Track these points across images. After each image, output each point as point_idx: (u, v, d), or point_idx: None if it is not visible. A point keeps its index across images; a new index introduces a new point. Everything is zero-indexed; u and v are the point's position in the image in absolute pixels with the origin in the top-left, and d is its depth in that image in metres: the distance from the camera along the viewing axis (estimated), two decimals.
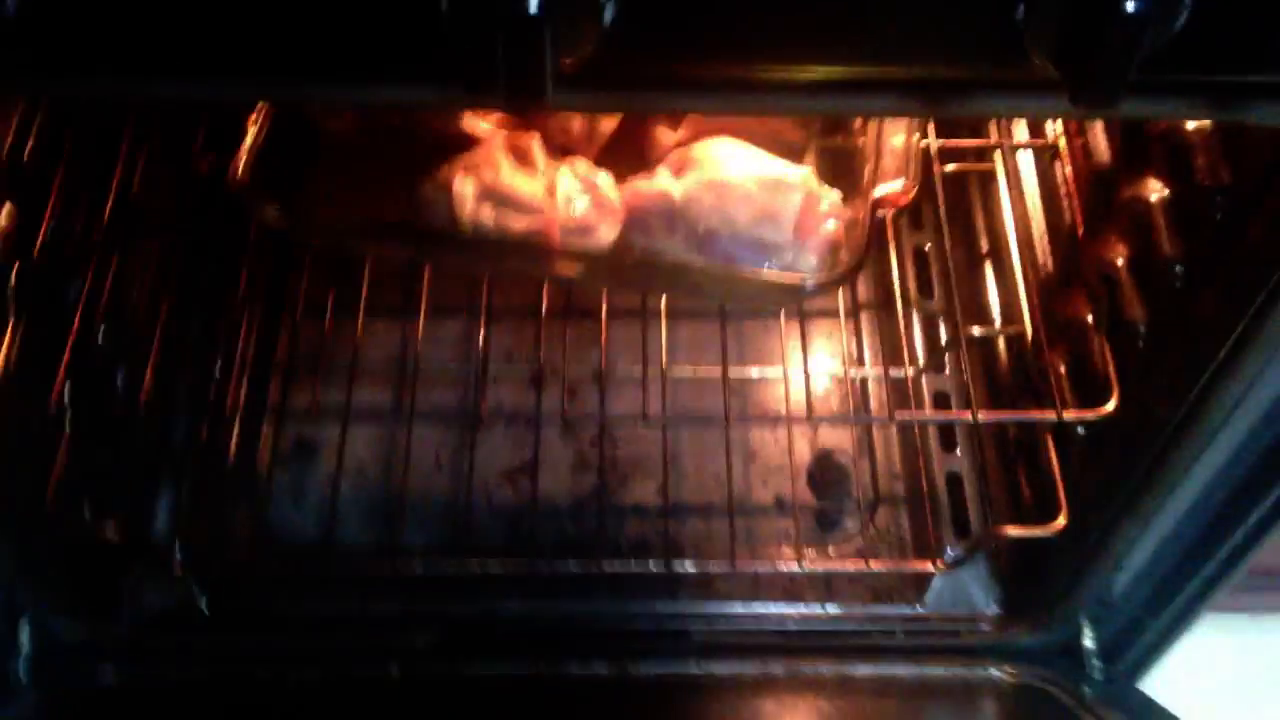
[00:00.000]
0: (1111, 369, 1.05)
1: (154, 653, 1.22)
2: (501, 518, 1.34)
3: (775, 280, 1.01)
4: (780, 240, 1.04)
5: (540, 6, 0.46)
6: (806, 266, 1.04)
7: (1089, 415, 1.05)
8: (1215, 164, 0.87)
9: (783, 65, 0.55)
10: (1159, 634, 1.20)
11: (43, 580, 1.15)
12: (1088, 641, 1.23)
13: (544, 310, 1.34)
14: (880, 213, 1.00)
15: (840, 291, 1.35)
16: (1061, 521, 1.14)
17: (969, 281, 1.41)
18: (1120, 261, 1.04)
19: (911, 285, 1.47)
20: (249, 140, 1.04)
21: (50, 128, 1.09)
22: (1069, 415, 1.06)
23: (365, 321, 1.34)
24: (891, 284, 1.32)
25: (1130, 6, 0.45)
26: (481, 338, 1.35)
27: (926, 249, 1.51)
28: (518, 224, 1.04)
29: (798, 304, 1.21)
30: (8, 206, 1.03)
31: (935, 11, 0.51)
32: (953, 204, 1.37)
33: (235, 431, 1.35)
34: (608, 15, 0.48)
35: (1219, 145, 0.87)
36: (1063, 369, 1.15)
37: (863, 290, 1.50)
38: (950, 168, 1.36)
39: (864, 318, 1.48)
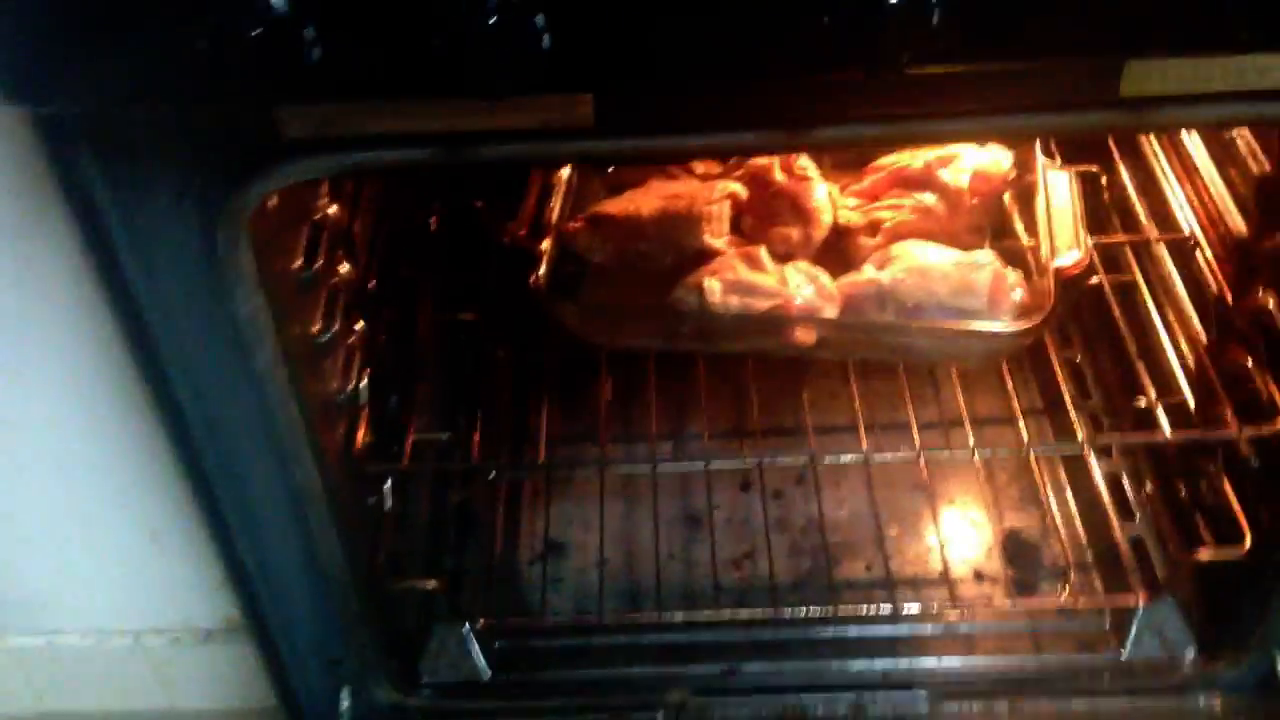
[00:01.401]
0: (1276, 394, 1.24)
1: (451, 714, 1.40)
2: (732, 595, 1.52)
3: (984, 330, 1.23)
4: (977, 307, 1.27)
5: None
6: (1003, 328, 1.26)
7: (1265, 430, 1.23)
8: None
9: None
10: None
11: (362, 656, 1.35)
12: None
13: (755, 417, 1.57)
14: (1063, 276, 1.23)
15: (1014, 395, 1.57)
16: (1246, 543, 1.29)
17: (1124, 377, 1.60)
18: (1272, 304, 1.25)
19: (1071, 388, 1.67)
20: (544, 262, 1.32)
21: (381, 271, 1.39)
22: (1247, 432, 1.24)
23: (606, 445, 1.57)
24: (1056, 391, 1.52)
25: None
26: (704, 445, 1.57)
27: (1078, 360, 1.72)
28: (760, 305, 1.28)
29: (999, 356, 1.40)
30: (359, 325, 1.31)
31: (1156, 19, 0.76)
32: (1103, 317, 1.61)
33: (499, 535, 1.57)
34: (934, 19, 0.74)
35: None
36: (1230, 413, 1.33)
37: (1024, 400, 1.69)
38: (1095, 280, 1.57)
39: (1032, 422, 1.67)
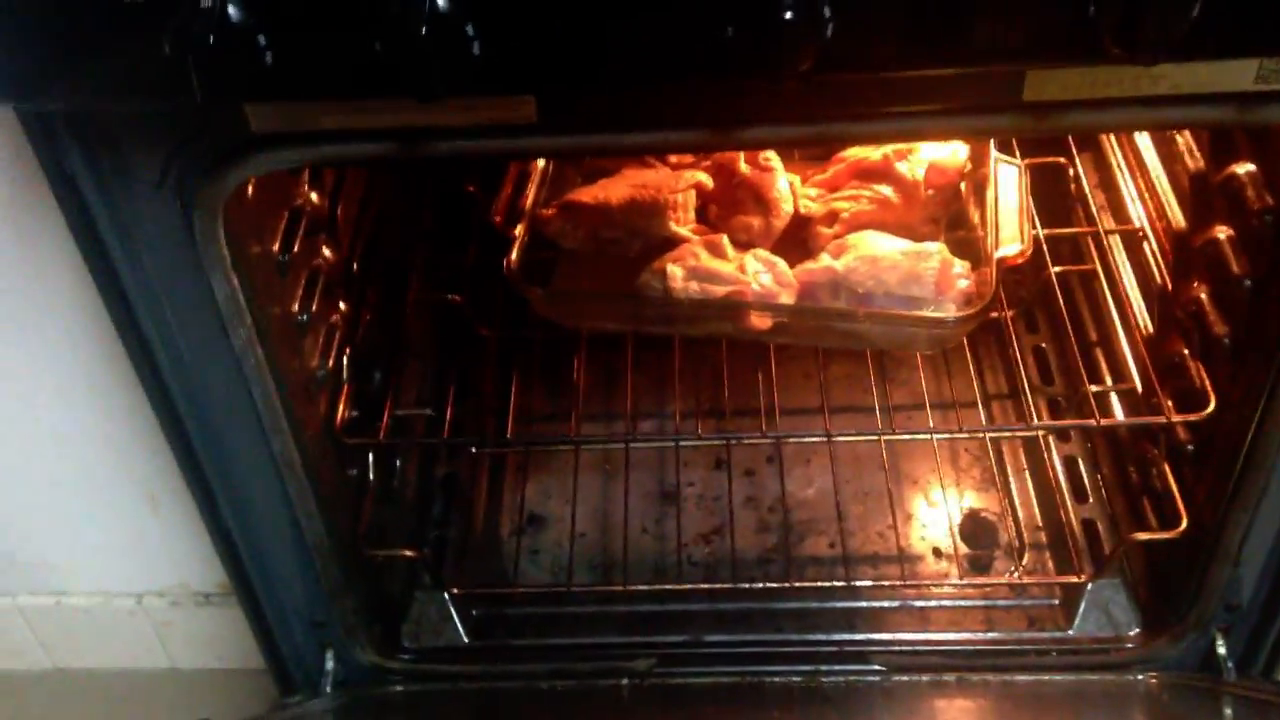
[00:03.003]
0: (1207, 383, 1.30)
1: (430, 677, 1.48)
2: (700, 569, 1.60)
3: (927, 316, 1.30)
4: (924, 295, 1.34)
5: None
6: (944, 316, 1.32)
7: (1192, 417, 1.29)
8: (1260, 192, 1.16)
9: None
10: None
11: (345, 621, 1.44)
12: (1221, 649, 1.41)
13: (728, 398, 1.64)
14: (1004, 266, 1.29)
15: (975, 385, 1.64)
16: (1183, 525, 1.35)
17: (1083, 363, 1.66)
18: (1203, 296, 1.30)
19: (1034, 373, 1.73)
20: (516, 247, 1.40)
21: (365, 254, 1.47)
22: (1176, 418, 1.30)
23: (579, 423, 1.64)
24: (1016, 375, 1.59)
25: None
26: (675, 425, 1.63)
27: (1043, 347, 1.78)
28: (718, 291, 1.35)
29: (944, 343, 1.46)
30: (341, 305, 1.39)
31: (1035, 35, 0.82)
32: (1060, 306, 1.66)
33: (480, 507, 1.65)
34: (828, 31, 0.80)
35: (1262, 179, 1.16)
36: (1170, 401, 1.39)
37: (990, 383, 1.76)
38: (1057, 270, 1.63)
39: (996, 406, 1.74)
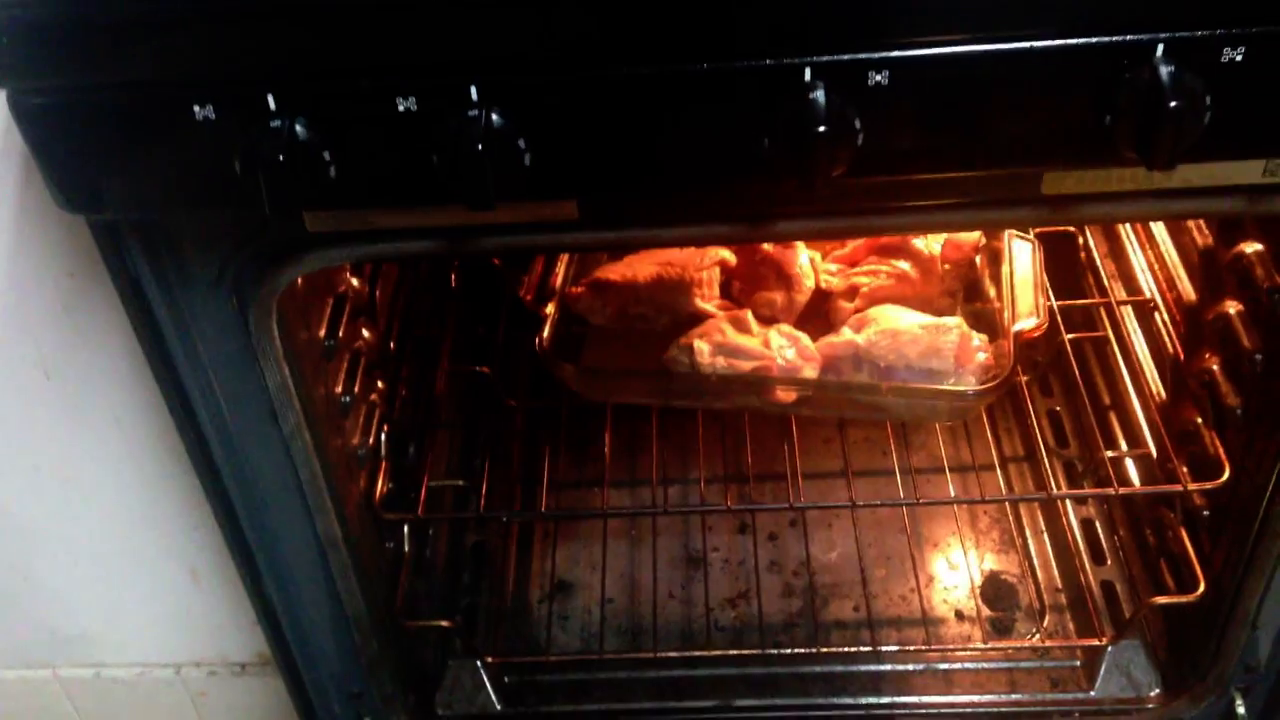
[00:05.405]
0: (1221, 452, 1.34)
1: None
2: (727, 634, 1.63)
3: (948, 389, 1.35)
4: (944, 368, 1.38)
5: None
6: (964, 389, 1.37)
7: (1207, 485, 1.33)
8: (1270, 271, 1.20)
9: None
10: None
11: (381, 691, 1.47)
12: (1240, 709, 1.44)
13: (749, 470, 1.68)
14: (1022, 339, 1.34)
15: (992, 449, 1.68)
16: (1200, 588, 1.38)
17: (1097, 429, 1.70)
18: (1215, 368, 1.35)
19: (1049, 437, 1.77)
20: (547, 325, 1.45)
21: (400, 332, 1.52)
22: (1192, 487, 1.34)
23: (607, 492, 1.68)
24: (1032, 439, 1.63)
25: (1172, 105, 0.80)
26: (701, 492, 1.68)
27: (1058, 410, 1.82)
28: (745, 366, 1.40)
29: (964, 414, 1.51)
30: (379, 384, 1.44)
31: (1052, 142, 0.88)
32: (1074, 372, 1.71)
33: (510, 575, 1.69)
34: (859, 140, 0.86)
35: (1270, 259, 1.20)
36: (1185, 468, 1.43)
37: (1007, 446, 1.80)
38: (1071, 336, 1.67)
39: (1014, 469, 1.78)
